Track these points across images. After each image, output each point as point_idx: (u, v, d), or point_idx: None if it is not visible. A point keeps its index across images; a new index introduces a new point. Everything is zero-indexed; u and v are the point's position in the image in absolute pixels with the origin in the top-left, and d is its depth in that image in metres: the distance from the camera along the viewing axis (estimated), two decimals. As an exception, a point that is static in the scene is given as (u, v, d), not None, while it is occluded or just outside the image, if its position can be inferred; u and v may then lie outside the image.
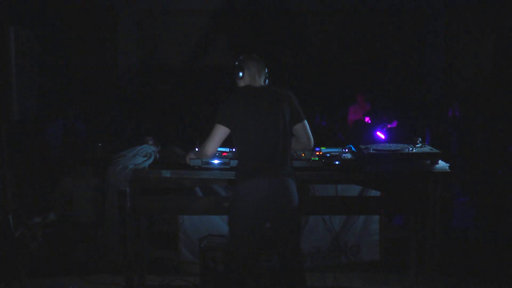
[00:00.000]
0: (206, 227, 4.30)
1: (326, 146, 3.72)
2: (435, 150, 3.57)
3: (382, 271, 4.34)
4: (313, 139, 3.19)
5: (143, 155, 3.58)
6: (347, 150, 3.64)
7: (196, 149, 3.33)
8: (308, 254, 4.33)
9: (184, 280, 4.17)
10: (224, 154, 3.49)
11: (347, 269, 4.37)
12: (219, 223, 4.32)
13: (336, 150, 3.66)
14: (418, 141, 3.63)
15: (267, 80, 3.19)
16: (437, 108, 9.34)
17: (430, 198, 3.47)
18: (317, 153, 3.55)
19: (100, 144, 5.97)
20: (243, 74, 3.13)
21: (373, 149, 3.57)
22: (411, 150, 3.53)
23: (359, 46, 10.90)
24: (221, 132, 3.02)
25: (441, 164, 3.51)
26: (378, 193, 4.18)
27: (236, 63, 3.15)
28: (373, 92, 9.73)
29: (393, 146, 3.65)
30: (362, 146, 3.69)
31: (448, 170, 3.46)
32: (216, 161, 3.41)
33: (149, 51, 11.10)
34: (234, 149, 3.43)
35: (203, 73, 10.64)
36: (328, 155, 3.52)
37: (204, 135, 3.16)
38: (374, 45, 10.83)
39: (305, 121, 3.14)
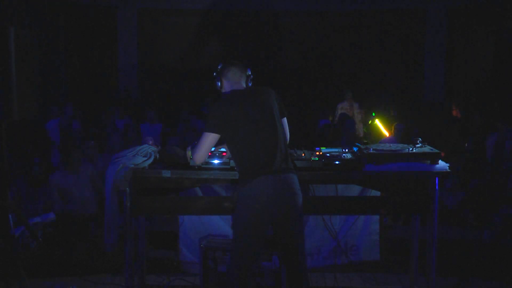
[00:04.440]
0: (206, 227, 4.29)
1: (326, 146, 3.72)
2: (435, 150, 3.56)
3: (382, 271, 4.34)
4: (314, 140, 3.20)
5: (143, 155, 3.56)
6: (347, 150, 3.64)
7: (189, 148, 3.34)
8: (308, 254, 4.33)
9: (184, 280, 4.17)
10: (224, 154, 3.49)
11: (347, 269, 4.37)
12: (219, 223, 4.31)
13: (336, 150, 3.66)
14: (418, 141, 3.63)
15: (250, 82, 3.22)
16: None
17: (430, 198, 3.47)
18: (317, 153, 3.55)
19: (92, 142, 6.00)
20: (221, 84, 3.19)
21: (373, 149, 3.57)
22: (411, 150, 3.52)
23: (360, 46, 10.90)
24: (210, 139, 3.03)
25: (441, 164, 3.50)
26: (378, 193, 4.17)
27: (214, 74, 3.22)
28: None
29: (393, 146, 3.64)
30: (362, 146, 3.69)
31: (448, 170, 3.45)
32: (216, 161, 3.41)
33: (149, 51, 11.10)
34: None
35: (203, 73, 10.63)
36: (328, 155, 3.52)
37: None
38: (374, 45, 10.84)
39: (285, 118, 3.19)
